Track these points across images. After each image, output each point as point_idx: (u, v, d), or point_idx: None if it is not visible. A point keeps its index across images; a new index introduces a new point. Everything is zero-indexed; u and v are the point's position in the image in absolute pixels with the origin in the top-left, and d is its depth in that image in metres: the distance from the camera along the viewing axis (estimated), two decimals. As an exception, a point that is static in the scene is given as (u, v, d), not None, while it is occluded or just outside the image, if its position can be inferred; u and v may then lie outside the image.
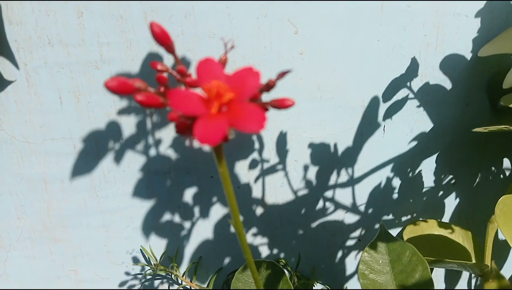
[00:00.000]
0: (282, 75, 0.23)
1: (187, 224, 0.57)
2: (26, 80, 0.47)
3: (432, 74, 0.52)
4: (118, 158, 0.52)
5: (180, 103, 0.19)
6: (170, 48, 0.24)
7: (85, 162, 0.51)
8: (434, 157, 0.57)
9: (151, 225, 0.56)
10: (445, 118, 0.54)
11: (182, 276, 0.56)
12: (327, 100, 0.51)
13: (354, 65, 0.50)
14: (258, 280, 0.31)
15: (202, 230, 0.58)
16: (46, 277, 0.58)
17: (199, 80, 0.20)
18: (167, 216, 0.56)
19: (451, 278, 0.65)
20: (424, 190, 0.60)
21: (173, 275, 0.57)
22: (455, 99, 0.53)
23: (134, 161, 0.53)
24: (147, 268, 0.58)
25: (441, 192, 0.61)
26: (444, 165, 0.58)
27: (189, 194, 0.55)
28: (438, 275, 0.66)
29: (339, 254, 0.62)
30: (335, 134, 0.54)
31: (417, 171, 0.59)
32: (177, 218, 0.57)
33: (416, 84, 0.52)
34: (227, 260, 0.60)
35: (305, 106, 0.52)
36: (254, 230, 0.59)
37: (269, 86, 0.23)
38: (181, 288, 0.58)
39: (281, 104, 0.22)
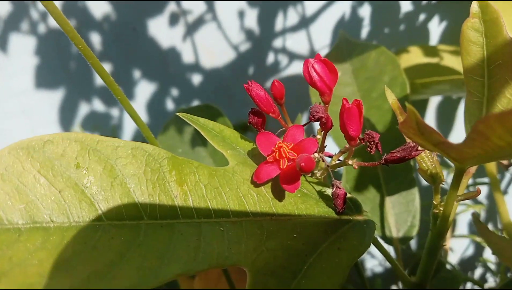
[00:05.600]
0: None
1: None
2: None
3: None
4: (13, 22, 0.40)
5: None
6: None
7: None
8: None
9: (75, 107, 0.45)
10: None
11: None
12: None
13: None
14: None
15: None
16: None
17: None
18: (88, 101, 0.45)
19: (447, 115, 0.51)
20: (401, 15, 0.46)
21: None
22: None
23: (33, 24, 0.40)
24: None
25: (422, 16, 0.46)
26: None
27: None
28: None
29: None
30: None
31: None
32: (99, 105, 0.45)
33: None
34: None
35: None
36: (196, 102, 0.47)
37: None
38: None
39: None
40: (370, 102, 0.28)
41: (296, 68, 0.47)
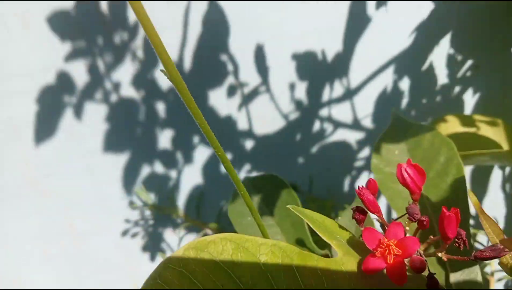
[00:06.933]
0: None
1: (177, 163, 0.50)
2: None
3: None
4: (88, 91, 0.44)
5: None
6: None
7: (52, 100, 0.44)
8: (447, 40, 0.47)
9: (138, 168, 0.49)
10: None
11: (184, 214, 0.49)
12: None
13: None
14: (249, 199, 0.23)
15: (193, 171, 0.50)
16: (43, 235, 0.51)
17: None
18: (149, 165, 0.49)
19: (481, 180, 0.55)
20: (438, 86, 0.50)
21: (174, 215, 0.50)
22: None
23: (106, 93, 0.45)
24: (146, 211, 0.51)
25: (457, 88, 0.51)
26: (462, 47, 0.47)
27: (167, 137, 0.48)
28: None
29: (352, 173, 0.54)
30: (322, 34, 0.44)
31: (427, 64, 0.49)
32: (160, 167, 0.49)
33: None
34: (226, 198, 0.52)
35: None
36: (247, 166, 0.51)
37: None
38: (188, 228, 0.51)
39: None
40: (427, 181, 0.31)
41: (340, 135, 0.50)
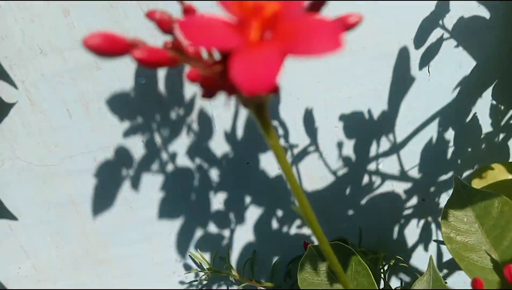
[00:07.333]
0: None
1: (228, 224, 0.50)
2: (28, 99, 0.40)
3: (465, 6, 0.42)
4: (145, 164, 0.46)
5: (200, 34, 0.11)
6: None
7: (110, 174, 0.45)
8: (489, 93, 0.48)
9: (192, 231, 0.50)
10: (492, 45, 0.45)
11: (239, 274, 0.50)
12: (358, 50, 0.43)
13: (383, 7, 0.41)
14: (337, 264, 0.23)
15: (244, 231, 0.51)
16: (99, 302, 0.52)
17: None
18: (203, 226, 0.50)
19: None
20: (483, 135, 0.51)
21: (230, 276, 0.51)
22: (498, 22, 0.44)
23: (162, 164, 0.46)
24: (201, 274, 0.51)
25: (502, 135, 0.51)
26: (503, 97, 0.48)
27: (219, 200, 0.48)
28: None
29: (401, 222, 0.54)
30: (368, 97, 0.45)
31: (471, 116, 0.50)
32: (213, 228, 0.50)
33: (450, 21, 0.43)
34: (277, 254, 0.53)
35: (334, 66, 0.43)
36: (298, 222, 0.52)
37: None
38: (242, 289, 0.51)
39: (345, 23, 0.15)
40: (502, 249, 0.32)
41: (387, 187, 0.51)
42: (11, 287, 0.51)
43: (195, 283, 0.52)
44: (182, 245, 0.50)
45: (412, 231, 0.54)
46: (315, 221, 0.21)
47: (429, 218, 0.54)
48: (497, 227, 0.33)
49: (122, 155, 0.44)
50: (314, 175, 0.49)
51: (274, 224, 0.51)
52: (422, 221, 0.54)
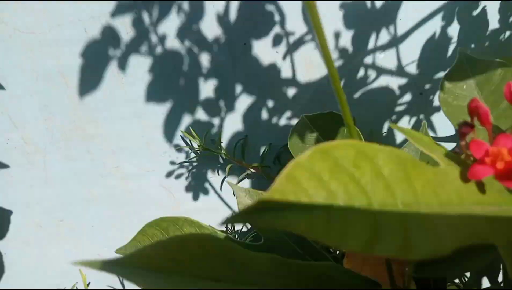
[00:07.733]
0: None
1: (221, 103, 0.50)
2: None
3: None
4: (138, 42, 0.44)
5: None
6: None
7: (102, 47, 0.43)
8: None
9: (182, 116, 0.49)
10: None
11: (229, 155, 0.50)
12: None
13: None
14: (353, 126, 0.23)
15: (235, 118, 0.50)
16: (89, 177, 0.52)
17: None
18: (194, 111, 0.49)
19: None
20: (488, 32, 0.49)
21: (220, 156, 0.51)
22: None
23: (156, 42, 0.44)
24: (192, 155, 0.51)
25: (508, 32, 0.50)
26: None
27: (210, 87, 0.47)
28: None
29: (392, 118, 0.53)
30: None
31: (479, 9, 0.48)
32: (204, 115, 0.49)
33: None
34: (268, 141, 0.53)
35: None
36: (288, 113, 0.51)
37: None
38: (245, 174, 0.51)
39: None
40: (498, 112, 0.32)
41: (383, 81, 0.50)
42: (1, 159, 0.50)
43: (186, 164, 0.52)
44: (173, 127, 0.50)
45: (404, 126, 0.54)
46: (340, 89, 0.20)
47: (421, 116, 0.54)
48: (496, 92, 0.33)
49: (109, 34, 0.42)
50: (311, 63, 0.48)
51: (264, 114, 0.50)
52: (414, 118, 0.54)
